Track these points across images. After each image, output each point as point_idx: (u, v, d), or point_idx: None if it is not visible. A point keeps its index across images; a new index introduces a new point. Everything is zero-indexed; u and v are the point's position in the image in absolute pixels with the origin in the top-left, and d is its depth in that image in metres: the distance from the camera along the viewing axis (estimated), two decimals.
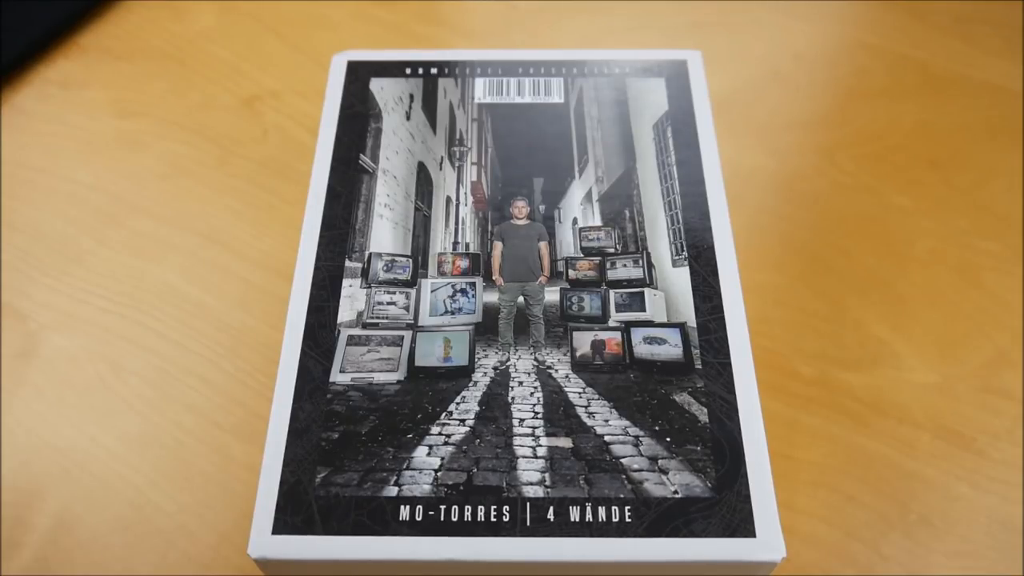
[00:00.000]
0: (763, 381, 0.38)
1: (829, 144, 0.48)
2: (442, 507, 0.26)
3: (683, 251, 0.31)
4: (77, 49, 0.53)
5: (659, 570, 0.25)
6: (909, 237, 0.44)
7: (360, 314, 0.30)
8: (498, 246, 0.33)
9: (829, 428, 0.38)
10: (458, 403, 0.28)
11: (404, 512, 0.26)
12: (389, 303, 0.31)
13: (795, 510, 0.36)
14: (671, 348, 0.29)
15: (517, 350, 0.30)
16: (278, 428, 0.27)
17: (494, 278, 0.32)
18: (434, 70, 0.37)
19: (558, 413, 0.28)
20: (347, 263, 0.31)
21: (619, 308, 0.31)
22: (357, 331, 0.30)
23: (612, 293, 0.31)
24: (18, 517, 0.36)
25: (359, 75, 0.37)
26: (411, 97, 0.37)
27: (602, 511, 0.26)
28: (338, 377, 0.29)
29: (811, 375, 0.39)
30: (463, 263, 0.32)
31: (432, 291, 0.31)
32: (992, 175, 0.47)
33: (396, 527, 0.25)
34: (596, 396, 0.28)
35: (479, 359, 0.29)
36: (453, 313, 0.31)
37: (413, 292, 0.31)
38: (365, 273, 0.31)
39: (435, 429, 0.27)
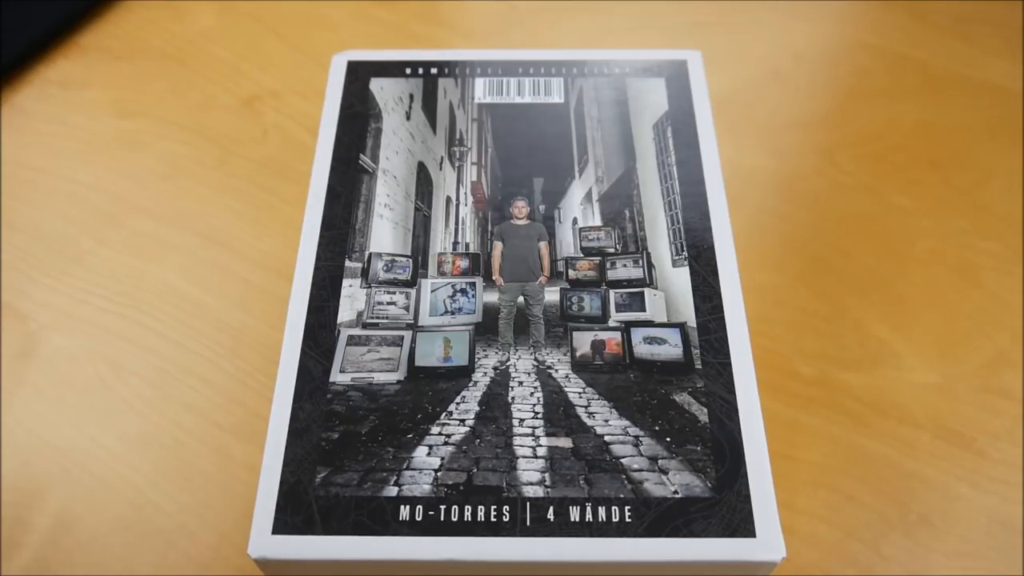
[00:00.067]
0: (763, 381, 0.38)
1: (829, 144, 0.48)
2: (442, 507, 0.26)
3: (683, 251, 0.31)
4: (77, 49, 0.53)
5: (659, 570, 0.25)
6: (909, 237, 0.44)
7: (360, 314, 0.30)
8: (498, 246, 0.33)
9: (829, 428, 0.38)
10: (458, 403, 0.28)
11: (404, 512, 0.26)
12: (389, 303, 0.31)
13: (795, 510, 0.36)
14: (671, 348, 0.29)
15: (517, 350, 0.30)
16: (278, 428, 0.27)
17: (494, 278, 0.32)
18: (434, 70, 0.37)
19: (558, 413, 0.28)
20: (347, 263, 0.31)
21: (619, 308, 0.31)
22: (357, 331, 0.30)
23: (612, 293, 0.31)
24: (18, 517, 0.36)
25: (359, 75, 0.37)
26: (411, 97, 0.37)
27: (602, 511, 0.26)
28: (338, 377, 0.29)
29: (811, 375, 0.39)
30: (463, 263, 0.32)
31: (432, 291, 0.31)
32: (992, 175, 0.47)
33: (396, 527, 0.25)
34: (596, 396, 0.28)
35: (479, 359, 0.29)
36: (453, 313, 0.31)
37: (413, 292, 0.31)
38: (365, 273, 0.31)
39: (435, 429, 0.27)
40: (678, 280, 0.31)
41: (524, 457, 0.27)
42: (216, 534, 0.35)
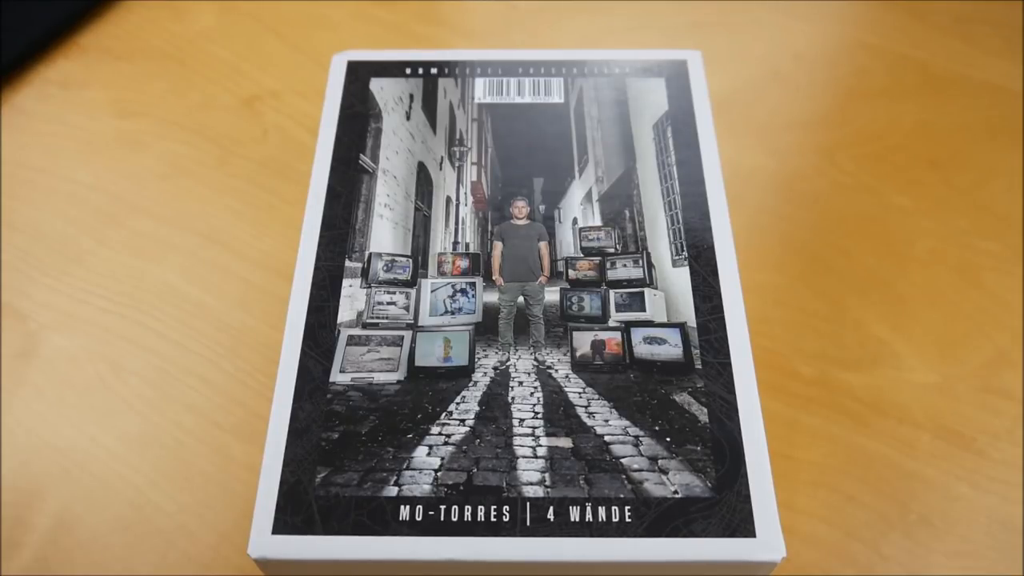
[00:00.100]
0: (763, 381, 0.38)
1: (829, 144, 0.48)
2: (442, 507, 0.26)
3: (683, 251, 0.31)
4: (77, 49, 0.53)
5: (659, 570, 0.25)
6: (909, 237, 0.44)
7: (360, 314, 0.30)
8: (498, 246, 0.33)
9: (829, 428, 0.38)
10: (458, 403, 0.28)
11: (404, 512, 0.26)
12: (389, 303, 0.31)
13: (795, 510, 0.36)
14: (671, 348, 0.29)
15: (517, 350, 0.30)
16: (278, 428, 0.27)
17: (494, 278, 0.32)
18: (434, 70, 0.37)
19: (558, 413, 0.28)
20: (347, 263, 0.31)
21: (619, 308, 0.31)
22: (357, 331, 0.30)
23: (612, 293, 0.31)
24: (18, 517, 0.36)
25: (359, 75, 0.37)
26: (411, 97, 0.37)
27: (602, 511, 0.26)
28: (338, 377, 0.29)
29: (811, 375, 0.39)
30: (463, 263, 0.32)
31: (432, 291, 0.31)
32: (992, 175, 0.47)
33: (396, 527, 0.25)
34: (596, 396, 0.28)
35: (479, 359, 0.29)
36: (453, 313, 0.31)
37: (413, 292, 0.31)
38: (365, 273, 0.31)
39: (435, 429, 0.27)
40: (678, 280, 0.31)
41: (524, 457, 0.27)
42: (216, 534, 0.35)
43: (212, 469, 0.37)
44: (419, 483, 0.26)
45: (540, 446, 0.27)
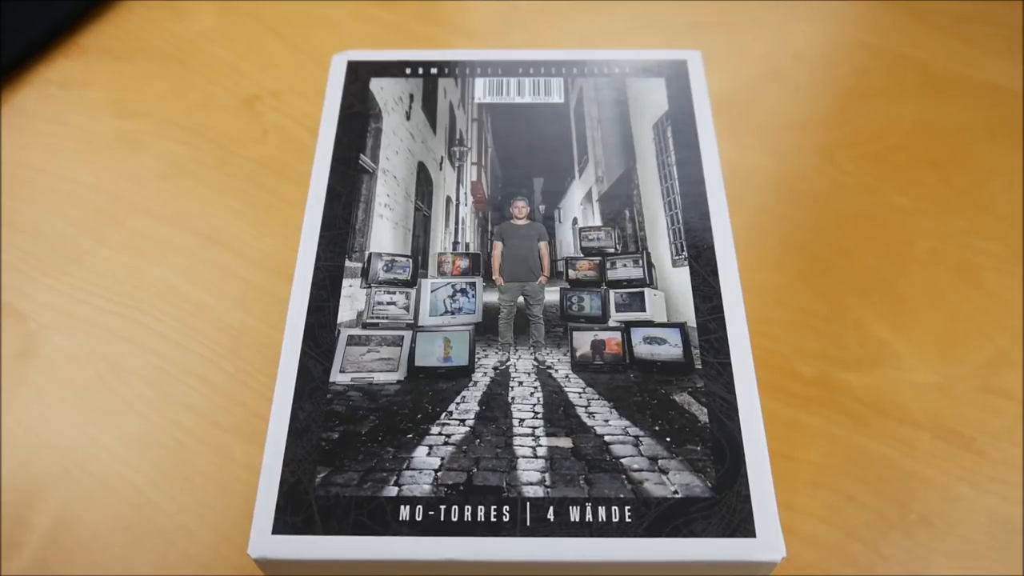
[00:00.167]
0: (763, 381, 0.38)
1: (829, 144, 0.48)
2: (442, 507, 0.26)
3: (683, 251, 0.31)
4: (77, 49, 0.53)
5: (659, 570, 0.25)
6: (909, 237, 0.44)
7: (360, 314, 0.30)
8: (498, 246, 0.33)
9: (829, 428, 0.38)
10: (458, 403, 0.28)
11: (404, 512, 0.26)
12: (389, 303, 0.31)
13: (795, 510, 0.36)
14: (671, 348, 0.29)
15: (517, 350, 0.30)
16: (278, 428, 0.27)
17: (494, 278, 0.32)
18: (434, 70, 0.37)
19: (558, 413, 0.28)
20: (347, 263, 0.31)
21: (619, 308, 0.31)
22: (357, 331, 0.30)
23: (612, 293, 0.31)
24: (18, 517, 0.36)
25: (359, 75, 0.37)
26: (411, 97, 0.37)
27: (602, 511, 0.26)
28: (338, 377, 0.29)
29: (811, 375, 0.39)
30: (463, 263, 0.32)
31: (432, 291, 0.31)
32: (992, 175, 0.47)
33: (396, 527, 0.25)
34: (596, 396, 0.28)
35: (479, 359, 0.29)
36: (453, 313, 0.31)
37: (413, 292, 0.31)
38: (365, 273, 0.31)
39: (435, 429, 0.27)
40: (678, 280, 0.31)
41: (524, 457, 0.27)
42: (216, 534, 0.35)
43: (212, 469, 0.37)
44: (419, 483, 0.26)
45: (540, 446, 0.27)
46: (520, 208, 0.33)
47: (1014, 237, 0.44)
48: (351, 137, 0.35)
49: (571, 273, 0.32)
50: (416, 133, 0.36)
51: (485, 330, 0.30)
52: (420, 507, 0.26)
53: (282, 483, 0.26)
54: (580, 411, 0.28)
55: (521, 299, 0.31)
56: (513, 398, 0.28)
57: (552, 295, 0.31)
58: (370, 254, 0.32)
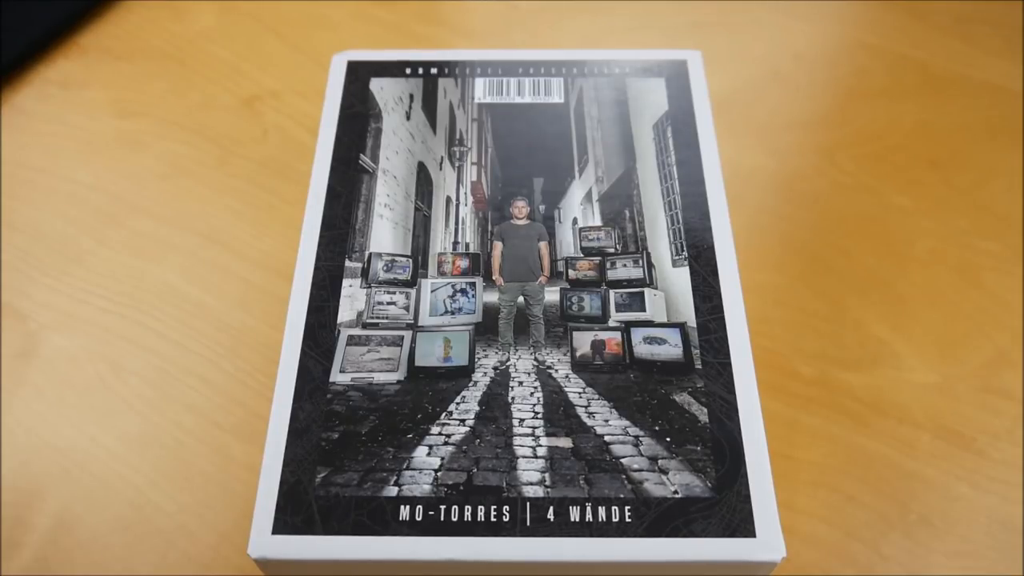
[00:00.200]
0: (763, 381, 0.38)
1: (829, 144, 0.48)
2: (442, 507, 0.26)
3: (683, 251, 0.31)
4: (77, 49, 0.53)
5: (659, 570, 0.25)
6: (909, 237, 0.44)
7: (360, 314, 0.30)
8: (498, 246, 0.33)
9: (829, 428, 0.38)
10: (458, 403, 0.28)
11: (404, 512, 0.26)
12: (389, 303, 0.31)
13: (795, 510, 0.36)
14: (671, 348, 0.29)
15: (517, 350, 0.30)
16: (278, 428, 0.27)
17: (494, 278, 0.32)
18: (434, 70, 0.37)
19: (558, 413, 0.28)
20: (347, 263, 0.31)
21: (619, 308, 0.31)
22: (357, 331, 0.30)
23: (612, 293, 0.31)
24: (18, 517, 0.36)
25: (359, 75, 0.37)
26: (411, 97, 0.37)
27: (602, 511, 0.26)
28: (338, 377, 0.29)
29: (811, 375, 0.39)
30: (463, 263, 0.32)
31: (432, 291, 0.31)
32: (992, 175, 0.47)
33: (396, 527, 0.25)
34: (596, 396, 0.28)
35: (479, 359, 0.29)
36: (453, 313, 0.31)
37: (413, 292, 0.31)
38: (365, 273, 0.31)
39: (435, 429, 0.27)
40: (678, 280, 0.31)
41: (524, 457, 0.27)
42: (216, 534, 0.35)
43: (212, 469, 0.37)
44: (419, 483, 0.26)
45: (540, 446, 0.27)
46: (520, 208, 0.33)
47: (1014, 237, 0.44)
48: (351, 137, 0.35)
49: (571, 273, 0.32)
50: (416, 133, 0.36)
51: (485, 330, 0.30)
52: (420, 507, 0.26)
53: (282, 483, 0.26)
54: (580, 411, 0.28)
55: (521, 299, 0.31)
56: (513, 398, 0.28)
57: (552, 295, 0.31)
58: (370, 254, 0.32)
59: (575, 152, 0.35)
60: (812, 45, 0.53)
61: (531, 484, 0.26)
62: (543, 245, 0.33)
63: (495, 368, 0.29)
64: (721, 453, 0.27)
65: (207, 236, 0.44)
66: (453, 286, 0.31)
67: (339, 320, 0.30)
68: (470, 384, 0.29)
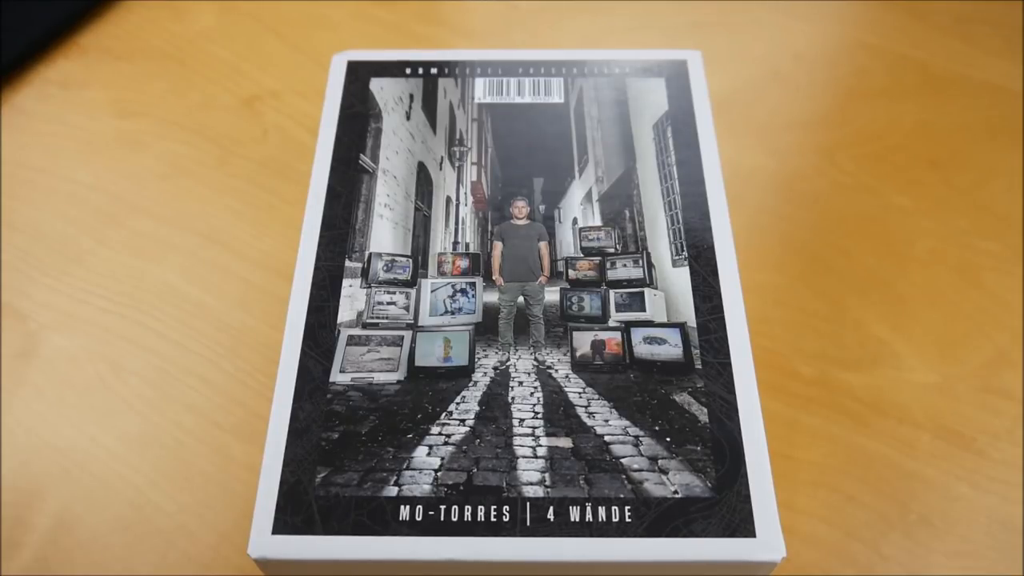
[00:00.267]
0: (763, 381, 0.38)
1: (829, 144, 0.48)
2: (442, 507, 0.26)
3: (683, 251, 0.31)
4: (77, 49, 0.53)
5: (659, 570, 0.25)
6: (909, 237, 0.44)
7: (360, 314, 0.30)
8: (498, 246, 0.33)
9: (829, 428, 0.38)
10: (458, 403, 0.28)
11: (404, 512, 0.26)
12: (389, 303, 0.31)
13: (795, 510, 0.36)
14: (671, 348, 0.29)
15: (517, 350, 0.30)
16: (278, 428, 0.27)
17: (494, 278, 0.32)
18: (434, 70, 0.37)
19: (558, 413, 0.28)
20: (347, 263, 0.31)
21: (619, 308, 0.31)
22: (357, 331, 0.30)
23: (612, 293, 0.31)
24: (18, 517, 0.36)
25: (359, 75, 0.37)
26: (411, 97, 0.37)
27: (602, 511, 0.26)
28: (338, 377, 0.29)
29: (811, 375, 0.39)
30: (463, 263, 0.32)
31: (432, 291, 0.31)
32: (992, 175, 0.47)
33: (396, 527, 0.25)
34: (596, 396, 0.28)
35: (479, 359, 0.29)
36: (453, 313, 0.31)
37: (413, 292, 0.31)
38: (365, 273, 0.31)
39: (435, 429, 0.27)
40: (678, 280, 0.31)
41: (524, 457, 0.27)
42: (216, 534, 0.35)
43: (212, 469, 0.37)
44: (419, 483, 0.26)
45: (540, 446, 0.27)
46: (520, 208, 0.33)
47: (1014, 237, 0.44)
48: (351, 137, 0.35)
49: (571, 273, 0.32)
50: (416, 133, 0.36)
51: (485, 330, 0.30)
52: (420, 507, 0.26)
53: (282, 483, 0.26)
54: (580, 411, 0.28)
55: (521, 299, 0.31)
56: (513, 398, 0.28)
57: (552, 295, 0.31)
58: (370, 254, 0.32)
59: (575, 152, 0.35)
60: (812, 45, 0.53)
61: (531, 484, 0.26)
62: (543, 245, 0.33)
63: (495, 368, 0.29)
64: (721, 453, 0.27)
65: (207, 236, 0.44)
66: (453, 286, 0.31)
67: (339, 320, 0.30)
68: (470, 384, 0.29)
